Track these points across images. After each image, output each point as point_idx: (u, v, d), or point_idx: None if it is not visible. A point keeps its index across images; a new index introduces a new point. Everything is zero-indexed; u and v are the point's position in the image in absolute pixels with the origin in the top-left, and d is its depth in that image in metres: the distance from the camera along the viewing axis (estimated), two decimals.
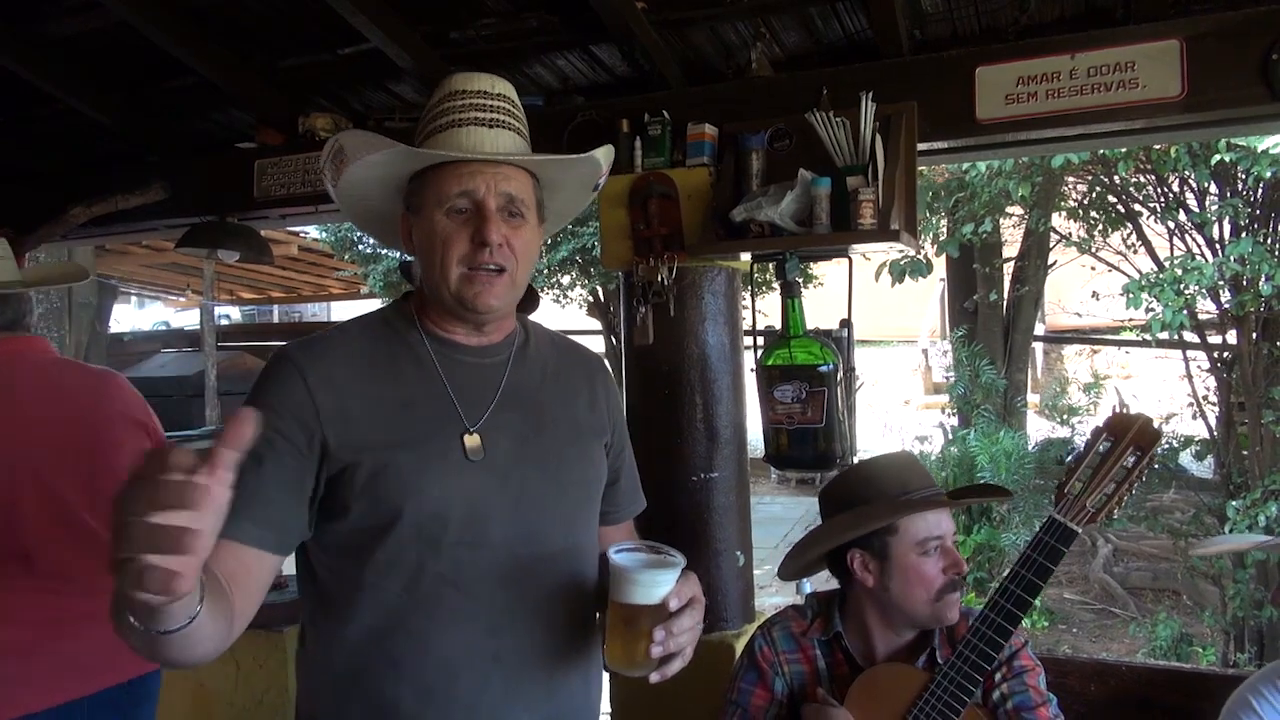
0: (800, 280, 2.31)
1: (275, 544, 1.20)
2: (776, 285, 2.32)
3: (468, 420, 1.29)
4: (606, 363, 1.58)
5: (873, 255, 2.87)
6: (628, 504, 1.54)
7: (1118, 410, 8.66)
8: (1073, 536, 1.52)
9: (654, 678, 1.20)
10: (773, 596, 7.04)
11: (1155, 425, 1.55)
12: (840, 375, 2.23)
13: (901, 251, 2.59)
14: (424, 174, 1.28)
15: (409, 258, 1.54)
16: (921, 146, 2.29)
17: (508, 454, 1.30)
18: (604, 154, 1.39)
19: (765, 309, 2.58)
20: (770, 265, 2.41)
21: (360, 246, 11.09)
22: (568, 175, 1.38)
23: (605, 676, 1.49)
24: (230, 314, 18.94)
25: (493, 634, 1.25)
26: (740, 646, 2.26)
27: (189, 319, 16.37)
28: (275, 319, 19.74)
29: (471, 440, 1.28)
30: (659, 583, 1.20)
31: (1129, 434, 1.52)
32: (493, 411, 1.31)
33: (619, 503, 1.51)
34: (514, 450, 1.30)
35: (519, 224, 1.28)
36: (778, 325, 2.29)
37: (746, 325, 2.59)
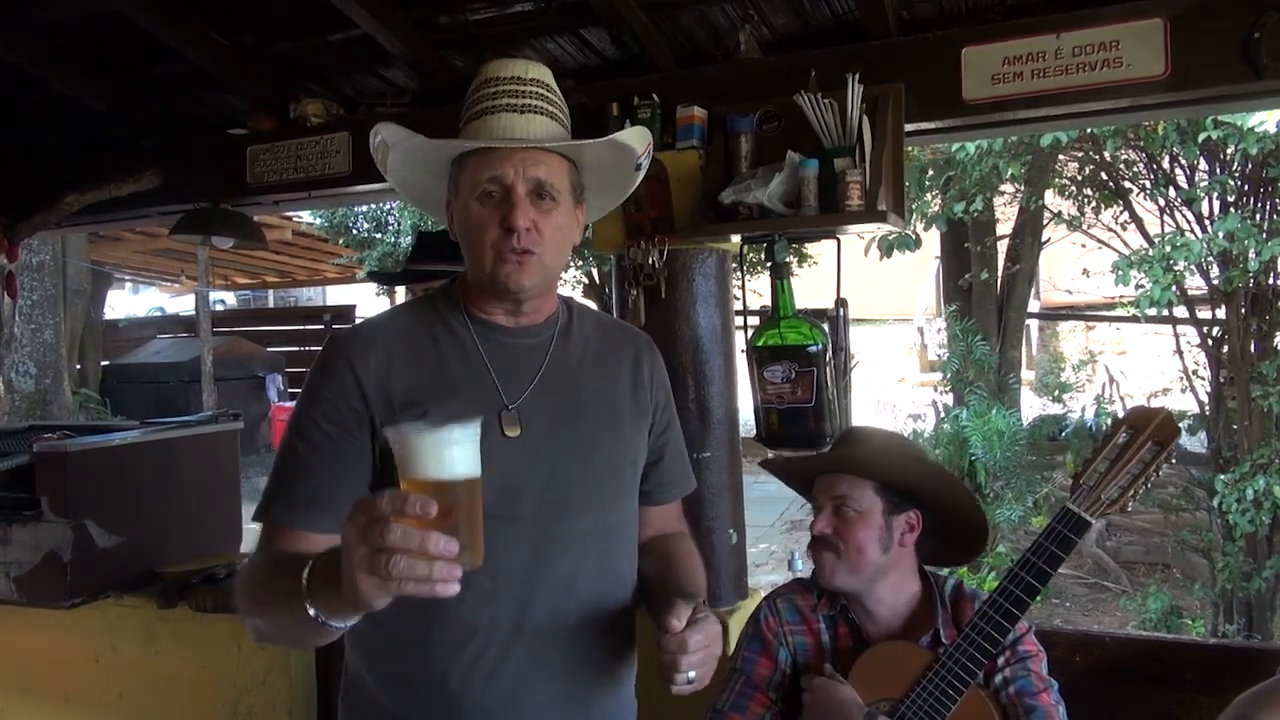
0: (791, 261, 2.33)
1: None
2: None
3: (507, 399, 1.33)
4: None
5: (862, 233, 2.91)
6: (672, 484, 1.55)
7: (1107, 386, 8.70)
8: (1086, 527, 1.54)
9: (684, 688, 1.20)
10: (769, 574, 7.11)
11: (1175, 420, 1.55)
12: (830, 355, 2.26)
13: (890, 230, 2.61)
14: (461, 161, 1.32)
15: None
16: (908, 127, 2.30)
17: (542, 434, 1.33)
18: (635, 136, 1.40)
19: (760, 288, 2.60)
20: (761, 246, 2.43)
21: (355, 231, 11.04)
22: (603, 157, 1.39)
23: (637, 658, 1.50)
24: (225, 299, 18.93)
25: (517, 606, 1.29)
26: (734, 623, 2.31)
27: (184, 304, 16.36)
28: (270, 304, 19.73)
29: (509, 419, 1.32)
30: (445, 442, 0.98)
31: (1149, 428, 1.53)
32: (532, 392, 1.35)
33: (663, 483, 1.53)
34: (549, 431, 1.34)
35: (549, 207, 1.31)
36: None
37: (739, 306, 2.61)
